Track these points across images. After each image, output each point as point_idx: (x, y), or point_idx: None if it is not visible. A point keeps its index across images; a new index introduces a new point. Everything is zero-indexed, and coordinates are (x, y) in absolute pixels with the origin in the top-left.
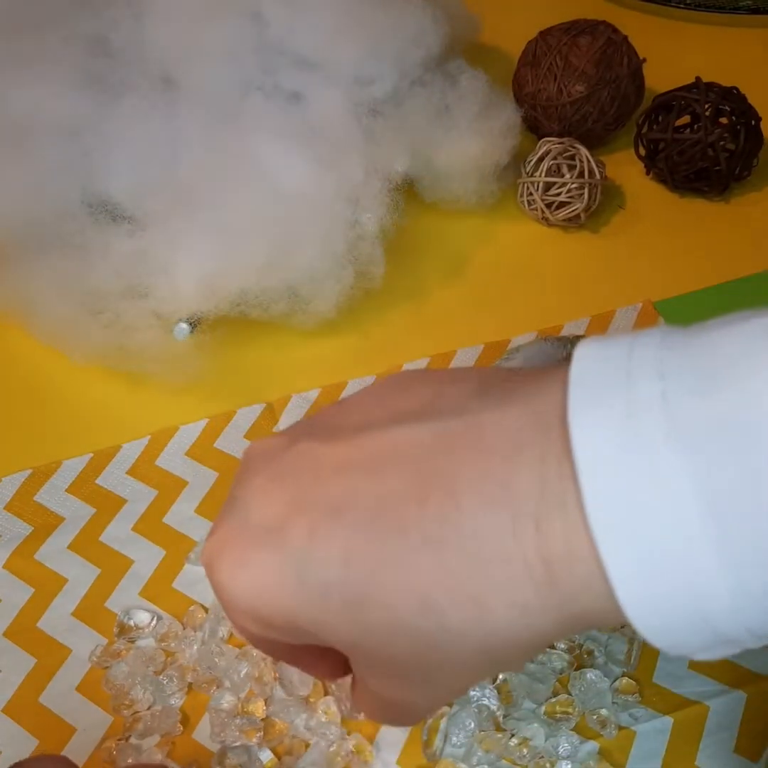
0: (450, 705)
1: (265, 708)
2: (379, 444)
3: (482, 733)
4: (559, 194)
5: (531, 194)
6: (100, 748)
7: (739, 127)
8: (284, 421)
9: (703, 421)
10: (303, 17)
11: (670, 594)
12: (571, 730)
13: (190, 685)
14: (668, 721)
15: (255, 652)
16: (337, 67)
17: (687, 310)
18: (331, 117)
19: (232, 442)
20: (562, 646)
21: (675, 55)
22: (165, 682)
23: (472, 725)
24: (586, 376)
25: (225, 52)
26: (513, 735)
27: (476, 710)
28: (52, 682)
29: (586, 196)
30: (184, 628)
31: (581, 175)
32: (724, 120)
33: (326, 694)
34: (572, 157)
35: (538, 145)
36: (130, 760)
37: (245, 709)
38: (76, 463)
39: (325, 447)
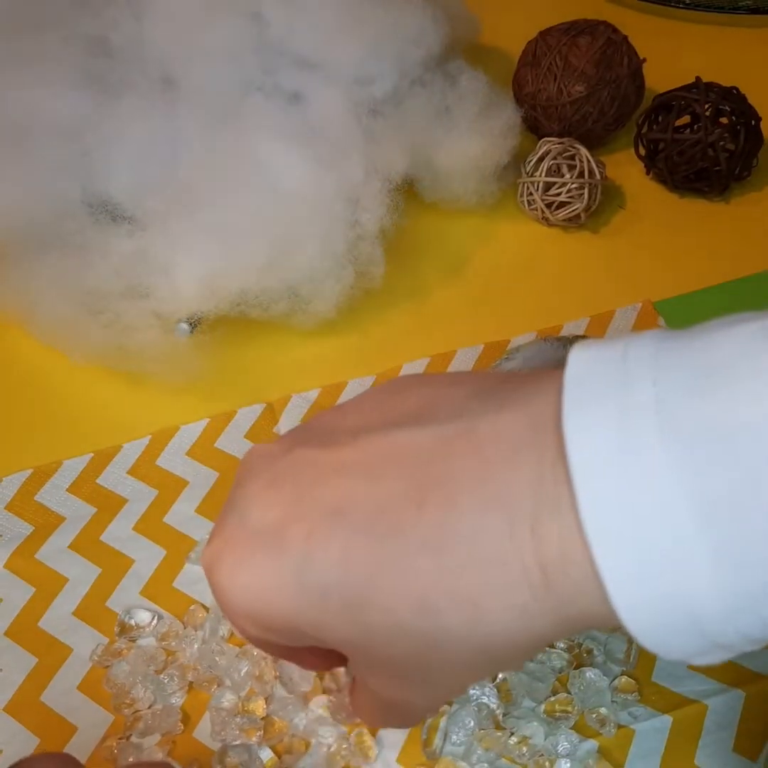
0: (450, 704)
1: (265, 707)
2: (376, 447)
3: (482, 731)
4: (559, 194)
5: (531, 194)
6: (101, 746)
7: (739, 127)
8: (284, 421)
9: (697, 423)
10: (303, 17)
11: (663, 597)
12: (571, 728)
13: (190, 683)
14: (667, 719)
15: (255, 651)
16: (337, 67)
17: (687, 310)
18: (331, 117)
19: (233, 442)
20: (562, 645)
21: (675, 55)
22: (166, 681)
23: (472, 724)
24: (581, 378)
25: (225, 52)
26: (512, 733)
27: (476, 709)
28: (53, 681)
29: (586, 196)
30: (184, 627)
31: (581, 175)
32: (724, 120)
33: (325, 692)
34: (572, 157)
35: (538, 145)
36: (131, 759)
37: (246, 708)
38: (77, 463)
39: (323, 451)
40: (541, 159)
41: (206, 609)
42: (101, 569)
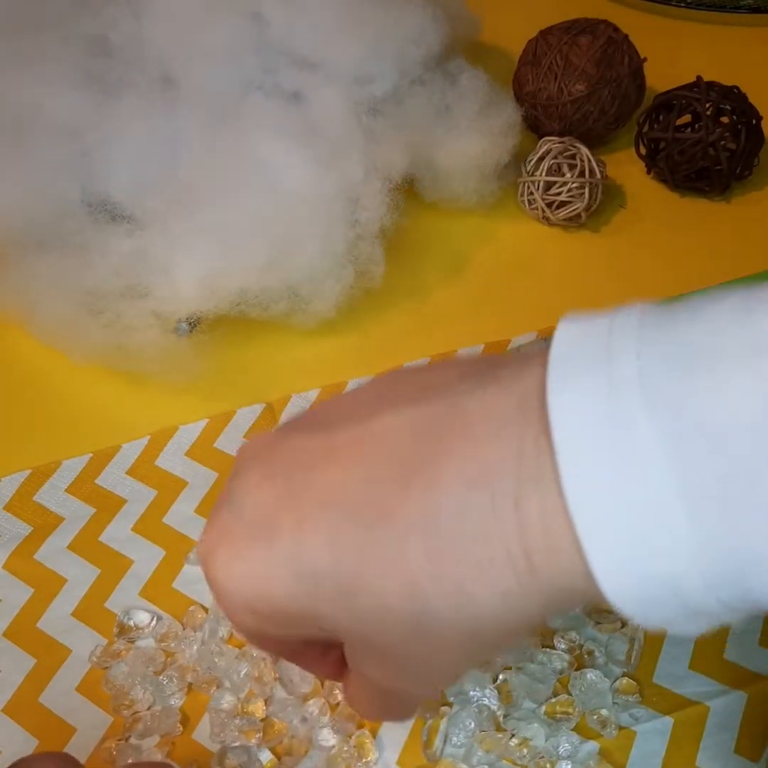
0: (450, 705)
1: (264, 708)
2: (366, 431)
3: (482, 733)
4: (559, 193)
5: (531, 193)
6: (99, 748)
7: (740, 126)
8: (284, 421)
9: (681, 397)
10: (303, 17)
11: (645, 570)
12: (572, 730)
13: (189, 685)
14: (668, 721)
15: (255, 652)
16: (337, 67)
17: None
18: (331, 116)
19: (232, 443)
20: (563, 646)
21: (676, 55)
22: (165, 682)
23: (473, 725)
24: (566, 353)
25: (225, 51)
26: (513, 735)
27: (476, 710)
28: (51, 682)
29: (586, 195)
30: (183, 629)
31: (582, 174)
32: (725, 119)
33: (325, 693)
34: (573, 157)
35: (539, 145)
36: (130, 760)
37: (245, 710)
38: (76, 463)
39: (313, 440)
40: (541, 158)
41: (205, 610)
42: (100, 570)
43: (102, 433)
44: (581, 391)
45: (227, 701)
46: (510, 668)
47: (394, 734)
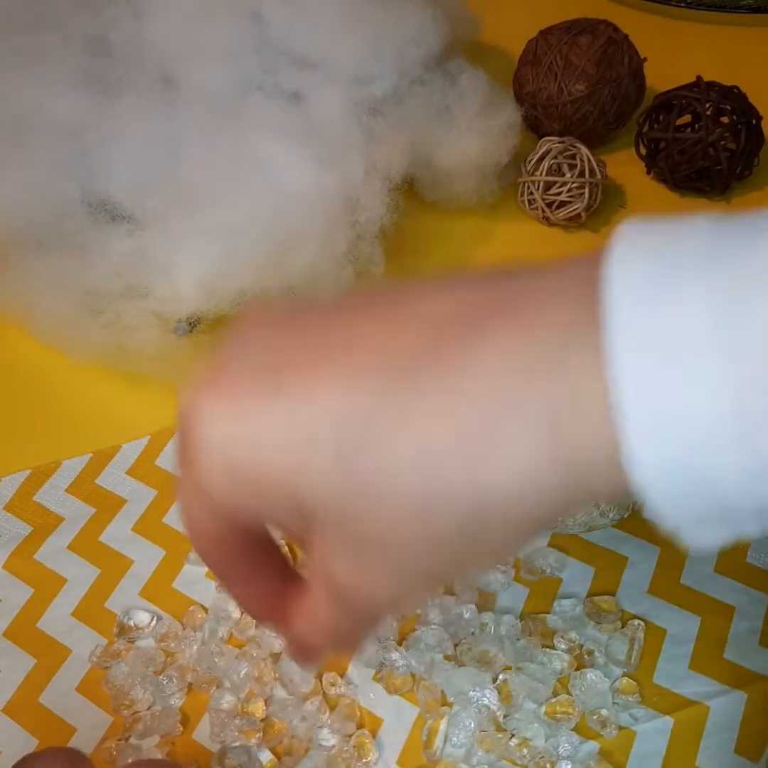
0: (450, 705)
1: (264, 708)
2: (400, 308)
3: (482, 733)
4: (559, 193)
5: (531, 193)
6: (99, 748)
7: (740, 126)
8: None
9: (737, 282)
10: (303, 17)
11: (681, 449)
12: (572, 730)
13: (189, 685)
14: (668, 721)
15: (254, 652)
16: (337, 67)
17: None
18: (331, 116)
19: None
20: (563, 646)
21: (676, 55)
22: (165, 682)
23: (472, 725)
24: (630, 237)
25: (225, 51)
26: (513, 735)
27: (476, 710)
28: (51, 682)
29: (586, 195)
30: (183, 629)
31: (582, 174)
32: (725, 119)
33: (325, 694)
34: (573, 157)
35: (539, 145)
36: (130, 760)
37: (245, 710)
38: (76, 463)
39: (338, 312)
40: (541, 158)
41: (205, 610)
42: (100, 570)
43: (102, 433)
44: (639, 264)
45: (227, 701)
46: (510, 668)
47: (394, 734)
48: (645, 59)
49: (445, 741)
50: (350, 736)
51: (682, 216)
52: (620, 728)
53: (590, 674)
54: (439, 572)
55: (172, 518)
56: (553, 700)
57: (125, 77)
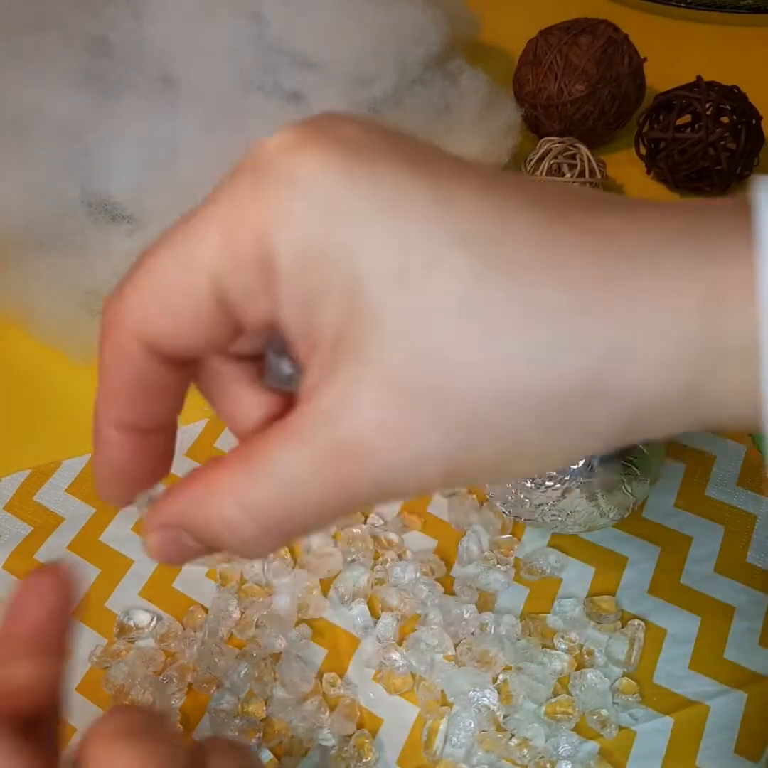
0: (450, 705)
1: (264, 708)
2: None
3: (482, 733)
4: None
5: None
6: None
7: (740, 126)
8: None
9: None
10: (303, 17)
11: None
12: (572, 730)
13: (189, 685)
14: (668, 721)
15: (254, 652)
16: (337, 67)
17: None
18: None
19: (232, 443)
20: (563, 646)
21: (676, 55)
22: (165, 682)
23: (472, 725)
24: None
25: (225, 51)
26: (513, 735)
27: (476, 710)
28: None
29: None
30: (183, 629)
31: (582, 174)
32: (725, 119)
33: (325, 694)
34: (573, 157)
35: (539, 145)
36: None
37: (245, 710)
38: (76, 463)
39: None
40: (541, 158)
41: (205, 610)
42: (100, 570)
43: None
44: None
45: (227, 701)
46: (510, 668)
47: (394, 734)
48: (645, 59)
49: (445, 741)
50: (350, 736)
51: None
52: (620, 728)
53: (590, 674)
54: (505, 454)
55: None
56: (553, 700)
57: (125, 77)
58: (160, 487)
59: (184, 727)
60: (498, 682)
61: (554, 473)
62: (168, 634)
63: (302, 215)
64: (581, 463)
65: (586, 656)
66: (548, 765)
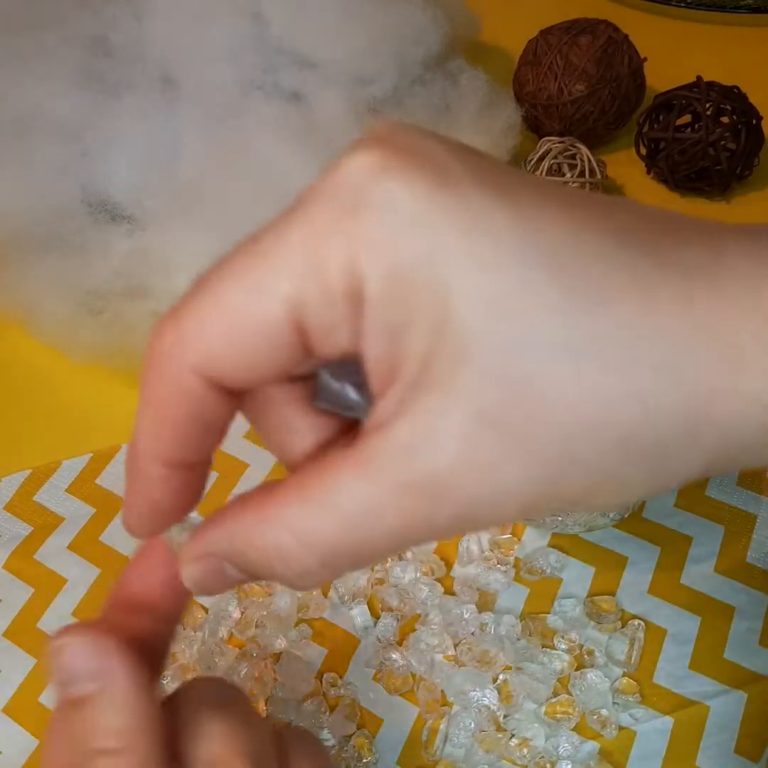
0: (450, 705)
1: (264, 708)
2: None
3: (482, 733)
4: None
5: None
6: None
7: (740, 126)
8: None
9: None
10: (303, 17)
11: None
12: (572, 730)
13: None
14: (669, 721)
15: (254, 652)
16: (337, 67)
17: None
18: (331, 116)
19: (232, 443)
20: (563, 646)
21: (676, 55)
22: (165, 682)
23: (472, 725)
24: None
25: (225, 51)
26: (513, 735)
27: (476, 710)
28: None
29: None
30: (184, 629)
31: (582, 174)
32: (725, 119)
33: (325, 694)
34: (573, 157)
35: (539, 145)
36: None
37: None
38: (76, 463)
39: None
40: (541, 158)
41: (205, 610)
42: (100, 570)
43: (102, 433)
44: None
45: None
46: (510, 668)
47: (394, 734)
48: (645, 59)
49: (445, 741)
50: (350, 736)
51: None
52: (620, 728)
53: (590, 674)
54: (595, 488)
55: None
56: (553, 700)
57: (125, 77)
58: (194, 516)
59: None
60: (498, 682)
61: None
62: None
63: (393, 243)
64: None
65: (586, 656)
66: (548, 765)
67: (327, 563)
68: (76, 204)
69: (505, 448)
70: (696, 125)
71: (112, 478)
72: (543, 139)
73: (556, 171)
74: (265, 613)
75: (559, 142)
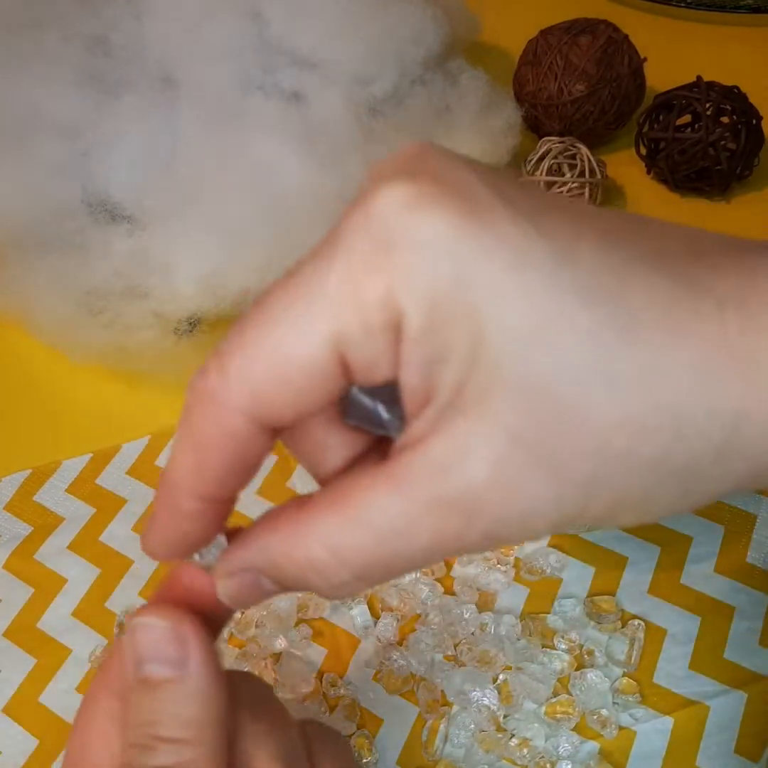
0: (450, 705)
1: None
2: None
3: (482, 733)
4: (560, 193)
5: None
6: None
7: (740, 126)
8: None
9: None
10: (303, 17)
11: None
12: (572, 730)
13: None
14: (668, 721)
15: (254, 652)
16: (337, 67)
17: None
18: (332, 116)
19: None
20: (563, 646)
21: (676, 54)
22: None
23: (472, 725)
24: None
25: (225, 51)
26: (513, 735)
27: (476, 710)
28: (52, 682)
29: (586, 195)
30: None
31: (582, 174)
32: (725, 119)
33: (325, 694)
34: (573, 157)
35: (539, 145)
36: None
37: None
38: (76, 463)
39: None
40: (541, 158)
41: None
42: (100, 570)
43: (102, 433)
44: None
45: None
46: (510, 668)
47: (394, 734)
48: (645, 59)
49: (445, 741)
50: (350, 736)
51: None
52: (620, 728)
53: (590, 674)
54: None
55: None
56: (553, 700)
57: (125, 77)
58: (222, 537)
59: None
60: (498, 682)
61: None
62: None
63: (431, 277)
64: None
65: (586, 656)
66: (548, 765)
67: (360, 576)
68: (76, 204)
69: (536, 470)
70: (696, 125)
71: (112, 478)
72: (543, 139)
73: (556, 171)
74: (265, 613)
75: (559, 142)
